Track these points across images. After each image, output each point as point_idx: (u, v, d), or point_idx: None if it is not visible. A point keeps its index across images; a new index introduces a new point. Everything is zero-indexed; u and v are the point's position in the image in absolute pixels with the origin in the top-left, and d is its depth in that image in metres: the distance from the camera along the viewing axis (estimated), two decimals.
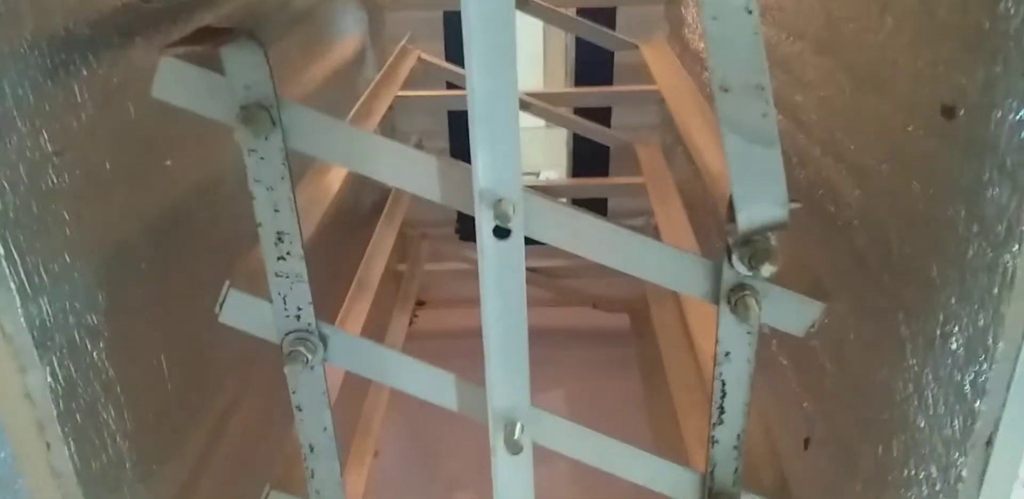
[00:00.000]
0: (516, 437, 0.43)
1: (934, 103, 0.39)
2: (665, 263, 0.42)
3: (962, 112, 0.38)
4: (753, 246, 0.39)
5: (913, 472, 0.43)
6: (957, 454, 0.39)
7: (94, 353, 0.43)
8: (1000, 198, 0.35)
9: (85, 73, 0.42)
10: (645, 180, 0.89)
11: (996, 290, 0.36)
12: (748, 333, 0.42)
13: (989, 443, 0.38)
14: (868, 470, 0.48)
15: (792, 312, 0.43)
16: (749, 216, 0.38)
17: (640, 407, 1.00)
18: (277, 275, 0.44)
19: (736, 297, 0.41)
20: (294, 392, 0.48)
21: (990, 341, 0.36)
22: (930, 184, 0.41)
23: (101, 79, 0.43)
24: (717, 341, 0.42)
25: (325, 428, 0.49)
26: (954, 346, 0.39)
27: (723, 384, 0.44)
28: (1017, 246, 0.34)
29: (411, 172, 0.42)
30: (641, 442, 0.49)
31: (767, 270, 0.39)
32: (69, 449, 0.40)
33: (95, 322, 0.43)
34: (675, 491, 0.48)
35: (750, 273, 0.40)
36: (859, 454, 0.50)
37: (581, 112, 1.11)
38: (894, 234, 0.45)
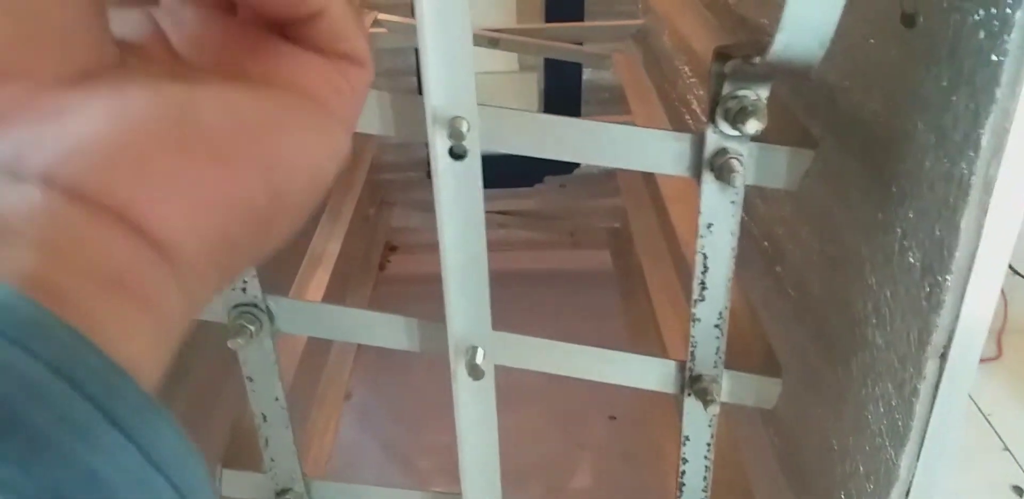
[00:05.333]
0: (478, 362, 0.43)
1: (895, 12, 0.39)
2: (640, 145, 0.41)
3: (921, 19, 0.37)
4: (741, 101, 0.37)
5: (870, 390, 0.44)
6: (912, 369, 0.40)
7: None
8: (957, 105, 0.35)
9: None
10: (624, 85, 0.87)
11: (952, 200, 0.35)
12: (732, 203, 0.41)
13: (943, 356, 0.38)
14: (829, 391, 0.49)
15: (781, 166, 0.41)
16: (788, 41, 0.34)
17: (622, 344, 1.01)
18: None
19: (720, 162, 0.39)
20: (244, 363, 0.48)
21: (946, 253, 0.36)
22: (890, 97, 0.40)
23: None
24: (700, 213, 0.41)
25: (277, 398, 0.50)
26: (912, 260, 0.39)
27: (705, 258, 0.43)
28: (973, 152, 0.34)
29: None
30: None
31: (752, 126, 0.37)
32: None
33: None
34: (653, 382, 0.47)
35: (735, 132, 0.38)
36: (821, 376, 0.50)
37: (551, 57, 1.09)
38: (856, 152, 0.45)
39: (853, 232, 0.45)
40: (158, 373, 0.18)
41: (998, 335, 1.08)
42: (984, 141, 0.33)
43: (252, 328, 0.46)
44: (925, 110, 0.37)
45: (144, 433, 0.16)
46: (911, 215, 0.39)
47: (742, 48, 0.36)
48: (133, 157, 0.18)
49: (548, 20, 1.10)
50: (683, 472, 0.48)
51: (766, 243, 0.60)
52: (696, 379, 0.46)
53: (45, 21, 0.18)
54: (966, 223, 0.35)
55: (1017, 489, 0.84)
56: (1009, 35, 0.31)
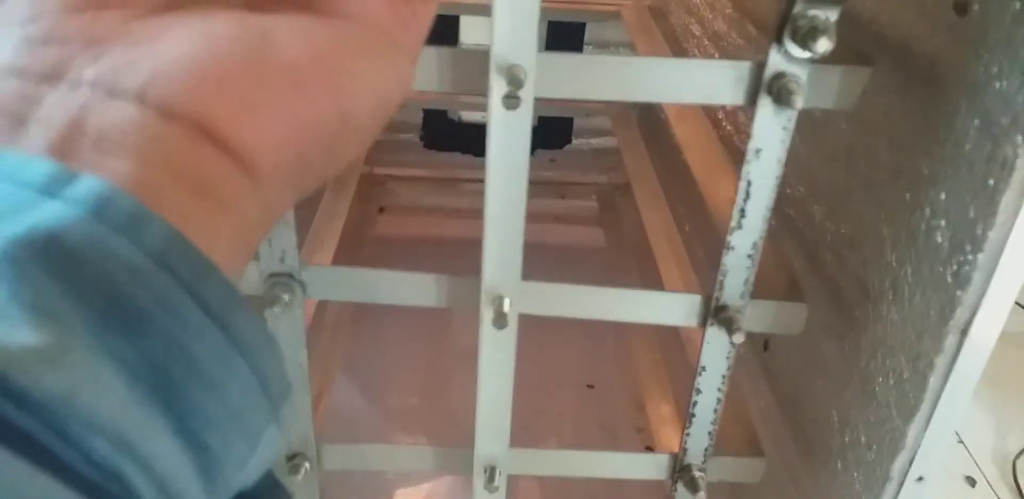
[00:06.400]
0: (505, 310, 0.44)
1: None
2: (697, 77, 0.41)
3: (976, 7, 0.38)
4: (812, 20, 0.37)
5: (880, 363, 0.45)
6: (931, 343, 0.41)
7: None
8: (1008, 90, 0.36)
9: None
10: (631, 34, 0.87)
11: (992, 181, 0.37)
12: (784, 128, 0.41)
13: (964, 332, 0.40)
14: (833, 364, 0.50)
15: (837, 86, 0.42)
16: None
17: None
18: None
19: (778, 85, 0.39)
20: (274, 332, 0.48)
21: (979, 231, 0.38)
22: (931, 82, 0.42)
23: None
24: (750, 137, 0.42)
25: (301, 364, 0.50)
26: (939, 239, 0.41)
27: (748, 184, 0.43)
28: (1020, 136, 0.35)
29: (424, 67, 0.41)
30: None
31: (823, 45, 0.37)
32: None
33: None
34: (678, 317, 0.48)
35: (803, 53, 0.38)
36: (823, 350, 0.51)
37: (554, 25, 1.09)
38: (885, 135, 0.46)
39: (874, 212, 0.47)
40: (237, 276, 0.20)
41: None
42: None
43: (286, 297, 0.46)
44: (972, 94, 0.38)
45: (227, 318, 0.18)
46: (943, 196, 0.41)
47: None
48: (218, 79, 0.19)
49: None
50: (695, 403, 0.49)
51: (773, 222, 0.61)
52: (721, 308, 0.46)
53: None
54: (1005, 204, 0.36)
55: (970, 479, 0.88)
56: None
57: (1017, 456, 0.89)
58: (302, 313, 0.48)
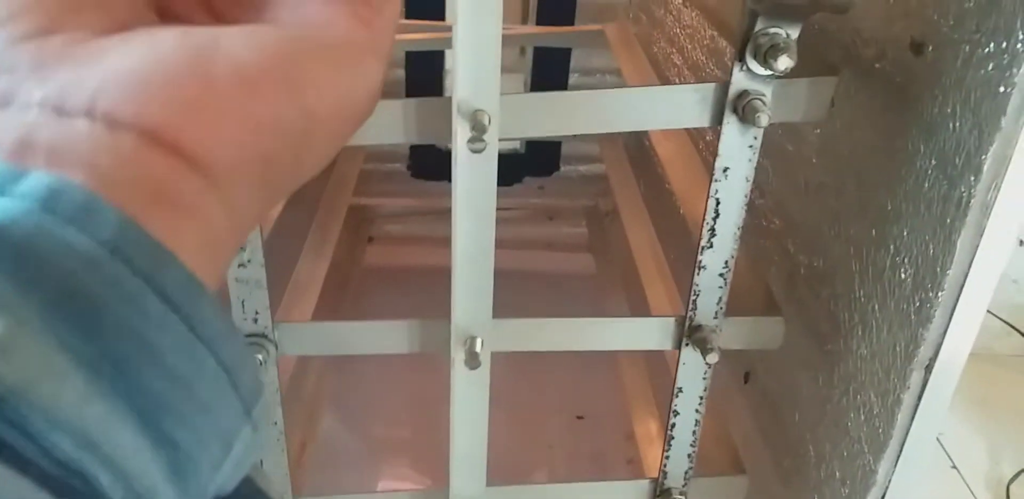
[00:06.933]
0: (477, 350, 0.44)
1: (904, 39, 0.41)
2: (662, 104, 0.41)
3: (930, 48, 0.39)
4: (772, 38, 0.38)
5: (851, 398, 0.46)
6: (897, 379, 0.41)
7: None
8: (961, 131, 0.37)
9: None
10: (616, 55, 0.88)
11: (949, 220, 0.37)
12: (749, 147, 0.42)
13: (928, 368, 0.40)
14: (807, 399, 0.51)
15: (805, 99, 0.42)
16: None
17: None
18: (237, 280, 0.45)
19: (743, 104, 0.40)
20: None
21: (939, 269, 0.38)
22: (892, 120, 0.42)
23: None
24: (717, 156, 0.42)
25: (276, 422, 0.50)
26: (903, 276, 0.41)
27: (717, 203, 0.43)
28: (974, 177, 0.36)
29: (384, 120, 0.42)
30: None
31: (784, 63, 0.38)
32: None
33: None
34: (653, 341, 0.48)
35: (764, 71, 0.39)
36: (799, 385, 0.52)
37: (540, 52, 1.10)
38: (853, 171, 0.46)
39: (843, 247, 0.47)
40: (209, 285, 0.19)
41: None
42: (986, 167, 0.35)
43: (260, 357, 0.47)
44: (928, 133, 0.39)
45: (188, 308, 0.17)
46: (905, 233, 0.41)
47: None
48: (163, 85, 0.19)
49: (538, 23, 1.12)
50: (673, 425, 0.49)
51: (753, 247, 0.62)
52: (696, 329, 0.46)
53: None
54: (962, 243, 0.37)
55: None
56: (1018, 69, 0.33)
57: (1011, 480, 0.89)
58: (276, 373, 0.48)
